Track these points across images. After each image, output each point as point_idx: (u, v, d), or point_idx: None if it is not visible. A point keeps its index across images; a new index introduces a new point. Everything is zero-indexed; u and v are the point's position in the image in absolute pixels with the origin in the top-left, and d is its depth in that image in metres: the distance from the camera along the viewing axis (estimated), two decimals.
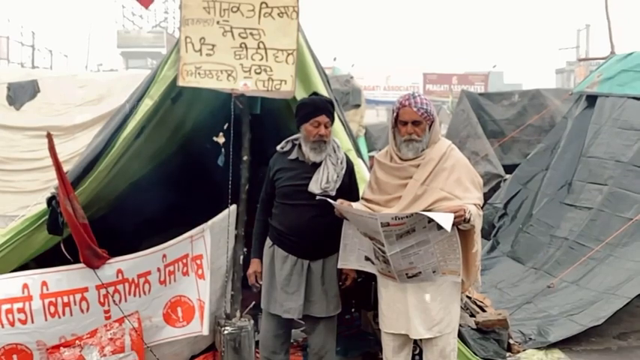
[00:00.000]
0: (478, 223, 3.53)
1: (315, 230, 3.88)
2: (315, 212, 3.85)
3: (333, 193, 3.80)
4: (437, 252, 3.47)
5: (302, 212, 3.90)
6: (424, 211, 3.48)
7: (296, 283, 3.92)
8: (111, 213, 5.14)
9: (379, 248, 3.55)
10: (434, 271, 3.52)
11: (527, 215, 7.54)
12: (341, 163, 3.93)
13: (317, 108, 3.88)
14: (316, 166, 3.88)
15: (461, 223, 3.40)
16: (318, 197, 3.77)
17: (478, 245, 3.59)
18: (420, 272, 3.53)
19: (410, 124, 3.60)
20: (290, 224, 3.93)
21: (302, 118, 3.89)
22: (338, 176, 3.87)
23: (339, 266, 3.85)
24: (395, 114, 3.67)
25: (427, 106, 3.61)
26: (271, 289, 3.99)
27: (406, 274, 3.55)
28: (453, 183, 3.58)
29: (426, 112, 3.60)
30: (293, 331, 4.32)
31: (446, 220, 3.28)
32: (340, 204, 3.65)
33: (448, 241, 3.44)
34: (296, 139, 4.00)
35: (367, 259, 3.72)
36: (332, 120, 3.93)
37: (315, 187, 3.82)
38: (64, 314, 3.90)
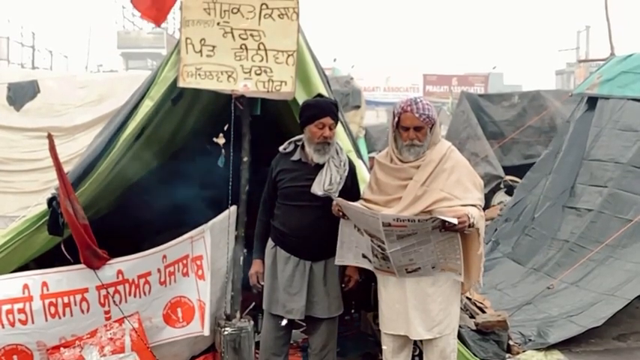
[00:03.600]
0: (482, 225, 3.55)
1: (317, 231, 3.88)
2: (317, 213, 3.86)
3: (337, 195, 3.80)
4: (437, 250, 3.50)
5: (304, 213, 3.91)
6: (424, 212, 3.50)
7: (298, 284, 3.93)
8: (111, 214, 5.14)
9: (378, 246, 3.58)
10: (433, 267, 3.56)
11: (529, 218, 7.55)
12: (344, 165, 3.93)
13: (321, 110, 3.89)
14: (319, 167, 3.89)
15: (465, 228, 3.41)
16: (322, 194, 3.79)
17: (482, 247, 3.60)
18: (419, 268, 3.56)
19: (412, 129, 3.61)
20: (292, 225, 3.94)
21: (306, 120, 3.90)
22: (341, 178, 3.87)
23: (336, 263, 3.88)
24: (396, 118, 3.67)
25: (429, 111, 3.61)
26: (273, 290, 4.00)
27: (406, 269, 3.58)
28: (452, 183, 3.59)
29: (428, 117, 3.60)
30: (293, 331, 4.32)
31: (452, 219, 3.32)
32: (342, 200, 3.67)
33: (449, 241, 3.46)
34: (298, 140, 4.01)
35: (364, 256, 3.74)
36: (336, 122, 3.94)
37: (317, 188, 3.83)
38: (64, 315, 3.90)
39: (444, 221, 3.36)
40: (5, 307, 3.78)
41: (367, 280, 4.13)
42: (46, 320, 3.86)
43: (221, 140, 4.22)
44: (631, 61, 7.58)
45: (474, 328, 4.73)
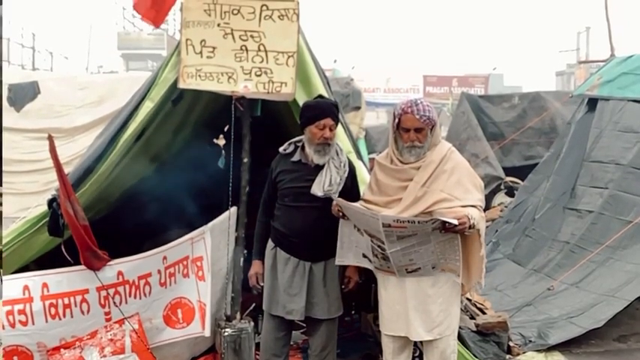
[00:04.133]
0: (482, 226, 3.55)
1: (317, 232, 3.89)
2: (317, 214, 3.86)
3: (336, 196, 3.80)
4: (437, 251, 3.51)
5: (304, 214, 3.91)
6: (424, 212, 3.51)
7: (298, 285, 3.93)
8: (111, 215, 5.14)
9: (378, 246, 3.58)
10: (433, 267, 3.57)
11: (530, 220, 7.55)
12: (344, 166, 3.93)
13: (322, 110, 3.89)
14: (319, 168, 3.89)
15: (465, 229, 3.41)
16: (322, 195, 3.79)
17: (483, 248, 3.60)
18: (419, 268, 3.57)
19: (412, 131, 3.61)
20: (292, 226, 3.94)
21: (307, 121, 3.90)
22: (341, 179, 3.88)
23: (336, 263, 3.88)
24: (397, 120, 3.67)
25: (429, 112, 3.62)
26: (273, 291, 4.00)
27: (406, 269, 3.59)
28: (453, 184, 3.59)
29: (428, 118, 3.61)
30: (293, 332, 4.32)
31: (452, 220, 3.32)
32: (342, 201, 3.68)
33: (449, 242, 3.47)
34: (298, 141, 4.01)
35: (364, 256, 3.74)
36: (336, 123, 3.94)
37: (317, 189, 3.83)
38: (64, 316, 3.90)
39: (444, 222, 3.37)
40: (5, 308, 3.77)
41: (367, 281, 4.13)
42: (47, 321, 3.86)
43: (221, 141, 4.22)
44: (631, 62, 7.59)
45: (474, 329, 4.73)
